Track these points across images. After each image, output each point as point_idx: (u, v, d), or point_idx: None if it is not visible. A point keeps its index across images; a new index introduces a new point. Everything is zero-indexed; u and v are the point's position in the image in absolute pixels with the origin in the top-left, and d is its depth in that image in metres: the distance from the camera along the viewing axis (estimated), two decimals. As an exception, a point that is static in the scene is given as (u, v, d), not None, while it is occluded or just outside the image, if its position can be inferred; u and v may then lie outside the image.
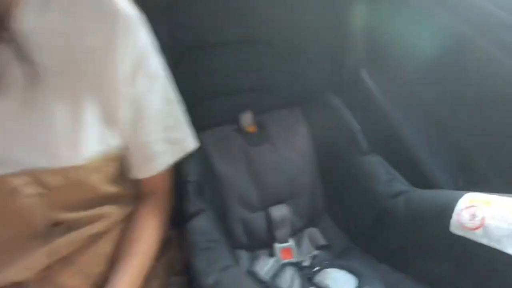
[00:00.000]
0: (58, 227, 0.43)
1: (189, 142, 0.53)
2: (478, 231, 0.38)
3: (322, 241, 0.69)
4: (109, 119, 0.43)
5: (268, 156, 0.70)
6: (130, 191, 0.51)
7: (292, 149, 0.72)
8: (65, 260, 0.44)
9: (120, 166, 0.48)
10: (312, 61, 0.75)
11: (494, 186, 0.56)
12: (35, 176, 0.40)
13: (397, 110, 0.74)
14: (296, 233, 0.70)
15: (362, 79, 0.81)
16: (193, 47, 0.67)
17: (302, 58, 0.74)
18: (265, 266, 0.61)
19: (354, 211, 0.64)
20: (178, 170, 0.56)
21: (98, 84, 0.42)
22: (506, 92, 0.51)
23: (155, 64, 0.47)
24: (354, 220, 0.66)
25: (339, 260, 0.65)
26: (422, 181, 0.62)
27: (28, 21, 0.38)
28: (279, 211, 0.69)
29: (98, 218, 0.46)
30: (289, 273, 0.61)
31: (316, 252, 0.67)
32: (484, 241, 0.37)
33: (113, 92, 0.43)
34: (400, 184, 0.58)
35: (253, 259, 0.65)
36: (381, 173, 0.60)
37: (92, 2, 0.40)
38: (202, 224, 0.49)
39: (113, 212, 0.48)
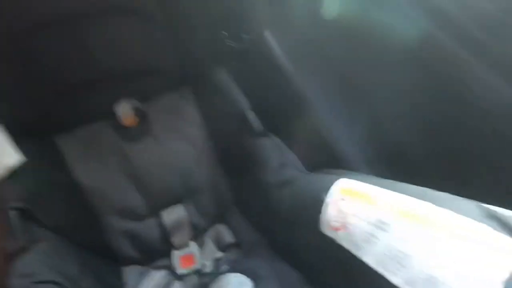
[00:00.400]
0: None
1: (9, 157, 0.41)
2: (341, 232, 0.29)
3: (229, 239, 0.61)
4: None
5: (150, 152, 0.58)
6: None
7: (182, 139, 0.61)
8: None
9: None
10: (200, 28, 0.63)
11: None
12: None
13: (304, 76, 0.64)
14: (199, 235, 0.61)
15: (266, 42, 0.69)
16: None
17: (186, 25, 0.61)
18: (150, 284, 0.52)
19: (253, 203, 0.56)
20: None
21: None
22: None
23: None
24: (257, 213, 0.57)
25: (244, 260, 0.56)
26: (330, 161, 0.53)
27: None
28: (173, 214, 0.59)
29: None
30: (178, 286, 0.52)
31: (219, 255, 0.59)
32: (344, 243, 0.29)
33: None
34: (292, 170, 0.49)
35: (143, 276, 0.55)
36: (272, 158, 0.50)
37: None
38: (28, 264, 0.38)
39: None
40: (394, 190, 0.30)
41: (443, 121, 0.39)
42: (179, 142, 0.61)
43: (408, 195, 0.29)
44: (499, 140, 0.34)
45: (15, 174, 0.41)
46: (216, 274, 0.53)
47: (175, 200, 0.60)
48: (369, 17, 0.52)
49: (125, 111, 0.61)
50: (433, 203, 0.27)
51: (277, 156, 0.51)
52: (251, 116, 0.55)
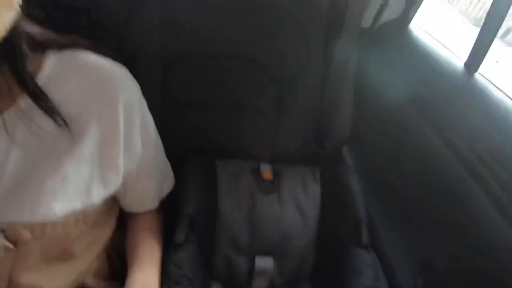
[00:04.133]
0: None
1: (171, 179, 0.60)
2: None
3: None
4: (107, 171, 0.46)
5: (271, 206, 0.72)
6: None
7: (298, 208, 0.73)
8: None
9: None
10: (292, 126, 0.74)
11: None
12: (6, 229, 0.42)
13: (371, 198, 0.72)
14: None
15: (343, 157, 0.80)
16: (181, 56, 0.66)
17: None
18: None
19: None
20: (177, 194, 0.61)
21: (103, 143, 0.45)
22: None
23: (147, 115, 0.51)
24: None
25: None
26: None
27: (46, 82, 0.42)
28: (265, 263, 0.71)
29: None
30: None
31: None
32: None
33: (115, 148, 0.46)
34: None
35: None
36: (367, 276, 0.60)
37: (88, 73, 0.44)
38: (182, 258, 0.54)
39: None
40: None
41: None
42: (294, 209, 0.73)
43: None
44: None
45: (191, 184, 0.58)
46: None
47: (268, 252, 0.73)
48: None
49: (267, 167, 0.77)
50: None
51: (372, 277, 0.60)
52: (364, 229, 0.65)
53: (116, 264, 0.57)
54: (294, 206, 0.74)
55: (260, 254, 0.72)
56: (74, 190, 0.43)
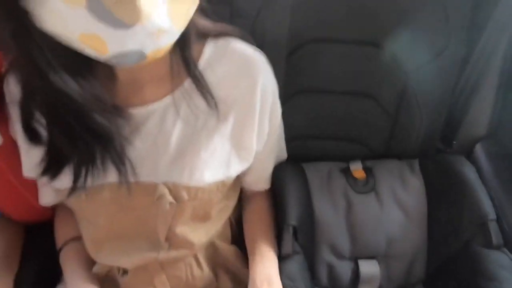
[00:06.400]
0: (166, 243, 0.52)
1: (284, 153, 0.65)
2: None
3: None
4: (242, 151, 0.52)
5: (369, 205, 0.66)
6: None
7: (399, 205, 0.66)
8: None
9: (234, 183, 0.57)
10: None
11: None
12: (171, 188, 0.49)
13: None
14: (381, 295, 0.67)
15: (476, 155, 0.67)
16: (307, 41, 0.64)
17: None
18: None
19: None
20: (278, 205, 0.61)
21: (242, 123, 0.51)
22: None
23: (277, 101, 0.55)
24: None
25: None
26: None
27: (204, 67, 0.49)
28: (370, 267, 0.66)
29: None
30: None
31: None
32: None
33: (250, 129, 0.51)
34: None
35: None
36: (508, 283, 0.51)
37: (235, 59, 0.50)
38: (292, 269, 0.52)
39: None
40: None
41: None
42: (395, 206, 0.66)
43: None
44: None
45: (291, 193, 0.56)
46: None
47: (371, 255, 0.67)
48: None
49: (357, 165, 0.70)
50: None
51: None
52: (494, 227, 0.56)
53: (234, 230, 0.64)
54: (395, 204, 0.67)
55: (363, 258, 0.66)
56: (219, 162, 0.50)
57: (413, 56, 0.61)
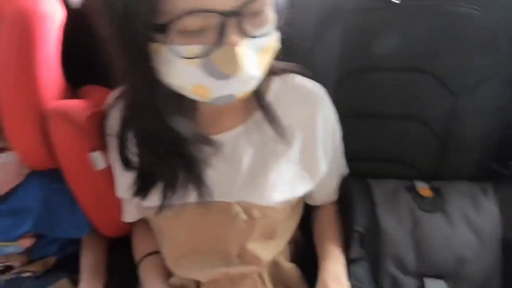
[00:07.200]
0: (237, 259, 0.58)
1: (345, 168, 0.69)
2: None
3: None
4: (307, 173, 0.57)
5: (438, 226, 0.66)
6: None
7: (470, 228, 0.65)
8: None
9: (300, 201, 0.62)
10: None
11: None
12: (244, 207, 0.54)
13: None
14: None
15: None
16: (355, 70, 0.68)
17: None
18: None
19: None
20: (343, 213, 0.64)
21: (305, 148, 0.56)
22: None
23: (336, 125, 0.62)
24: None
25: None
26: None
27: (272, 100, 0.56)
28: (436, 287, 0.65)
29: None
30: None
31: None
32: None
33: (314, 153, 0.57)
34: None
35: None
36: None
37: (298, 92, 0.57)
38: (360, 273, 0.54)
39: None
40: None
41: None
42: (466, 228, 0.65)
43: None
44: None
45: (357, 201, 0.59)
46: None
47: (439, 274, 0.66)
48: None
49: (424, 185, 0.70)
50: None
51: None
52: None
53: (293, 250, 0.68)
54: (466, 226, 0.66)
55: (429, 276, 0.65)
56: (286, 184, 0.55)
57: (462, 80, 0.63)
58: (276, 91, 0.55)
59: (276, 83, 0.56)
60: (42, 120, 0.53)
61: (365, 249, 0.60)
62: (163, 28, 0.39)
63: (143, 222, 0.68)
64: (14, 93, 0.51)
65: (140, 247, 0.67)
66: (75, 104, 0.55)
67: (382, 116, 0.70)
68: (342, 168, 0.68)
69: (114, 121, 0.55)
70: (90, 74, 0.63)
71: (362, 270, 0.56)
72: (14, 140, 0.54)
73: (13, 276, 0.64)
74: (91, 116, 0.55)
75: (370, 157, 0.74)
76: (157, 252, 0.65)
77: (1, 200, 0.61)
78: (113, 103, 0.56)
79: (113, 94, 0.57)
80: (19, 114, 0.52)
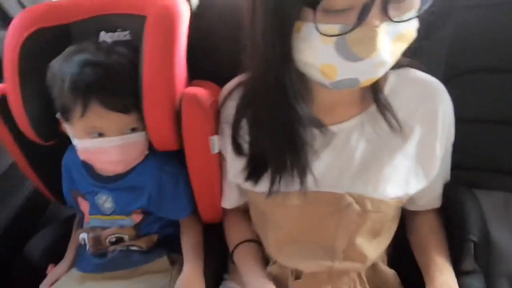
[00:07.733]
0: (342, 253, 0.57)
1: (449, 174, 0.64)
2: None
3: None
4: (421, 170, 0.56)
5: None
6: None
7: None
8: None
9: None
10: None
11: None
12: (356, 199, 0.54)
13: None
14: None
15: None
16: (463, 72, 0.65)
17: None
18: None
19: None
20: (454, 222, 0.61)
21: (422, 144, 0.55)
22: None
23: (453, 123, 0.58)
24: None
25: None
26: None
27: (389, 93, 0.55)
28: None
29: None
30: None
31: None
32: None
33: (431, 150, 0.56)
34: None
35: None
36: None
37: (417, 85, 0.56)
38: (477, 286, 0.51)
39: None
40: None
41: None
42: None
43: None
44: None
45: (472, 211, 0.58)
46: None
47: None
48: None
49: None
50: None
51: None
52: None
53: (389, 255, 0.67)
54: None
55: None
56: (400, 179, 0.54)
57: None
58: (393, 84, 0.55)
59: (393, 76, 0.55)
60: (175, 104, 0.59)
61: (478, 262, 0.57)
62: (314, 5, 0.40)
63: (238, 211, 0.72)
64: (157, 79, 0.57)
65: (235, 235, 0.69)
66: (201, 91, 0.61)
67: (489, 121, 0.65)
68: (447, 172, 0.65)
69: (229, 110, 0.59)
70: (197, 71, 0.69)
71: (478, 283, 0.53)
72: (151, 121, 0.60)
73: (123, 248, 0.70)
74: (212, 103, 0.61)
75: (475, 166, 0.68)
76: (251, 241, 0.67)
77: (122, 176, 0.69)
78: (228, 94, 0.61)
79: (227, 87, 0.63)
80: (159, 97, 0.58)
